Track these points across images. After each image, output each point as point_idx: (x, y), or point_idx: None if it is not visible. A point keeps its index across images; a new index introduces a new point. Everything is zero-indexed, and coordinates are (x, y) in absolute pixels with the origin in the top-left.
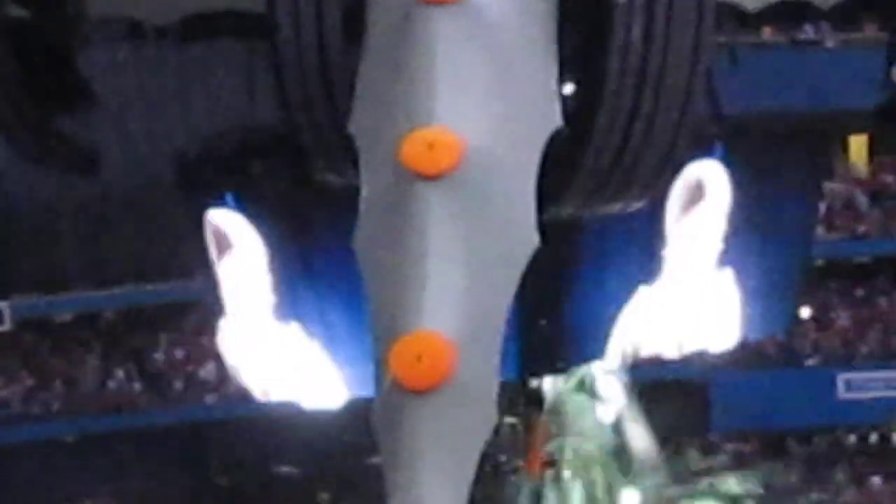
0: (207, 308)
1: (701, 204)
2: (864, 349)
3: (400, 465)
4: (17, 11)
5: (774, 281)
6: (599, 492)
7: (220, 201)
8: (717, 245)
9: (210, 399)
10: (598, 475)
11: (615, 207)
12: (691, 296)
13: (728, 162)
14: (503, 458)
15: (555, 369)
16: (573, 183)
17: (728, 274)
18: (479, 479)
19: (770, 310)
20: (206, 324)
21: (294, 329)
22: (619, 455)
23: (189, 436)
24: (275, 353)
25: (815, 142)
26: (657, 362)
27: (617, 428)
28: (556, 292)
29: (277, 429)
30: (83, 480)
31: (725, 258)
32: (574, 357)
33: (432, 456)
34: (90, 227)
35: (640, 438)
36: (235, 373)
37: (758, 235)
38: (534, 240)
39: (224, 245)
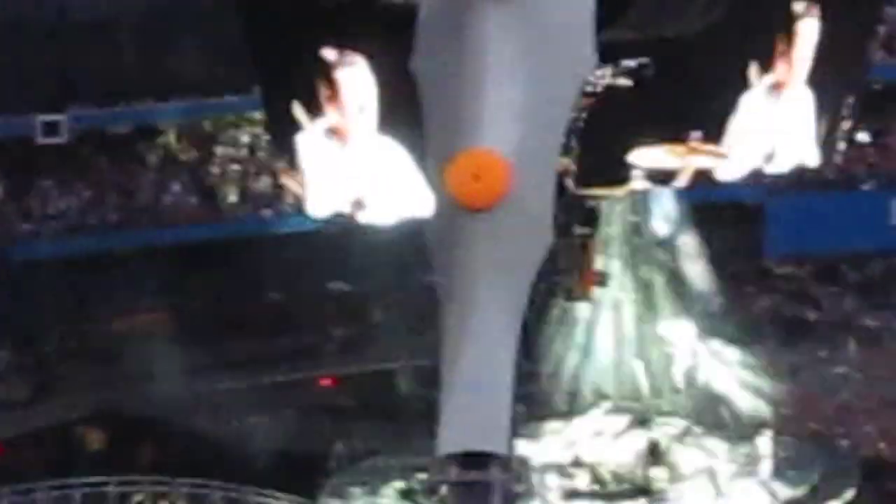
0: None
1: None
2: None
3: (455, 284)
4: None
5: (832, 104)
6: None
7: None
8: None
9: (265, 213)
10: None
11: (675, 28)
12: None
13: None
14: (558, 277)
15: (610, 182)
16: (632, 2)
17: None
18: (534, 297)
19: (827, 134)
20: (263, 138)
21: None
22: (671, 280)
23: (243, 250)
24: (334, 168)
25: None
26: (712, 183)
27: (670, 250)
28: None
29: (332, 245)
30: (137, 293)
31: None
32: (630, 177)
33: (488, 274)
34: (149, 39)
35: (693, 265)
36: (292, 187)
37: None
38: (591, 59)
39: None
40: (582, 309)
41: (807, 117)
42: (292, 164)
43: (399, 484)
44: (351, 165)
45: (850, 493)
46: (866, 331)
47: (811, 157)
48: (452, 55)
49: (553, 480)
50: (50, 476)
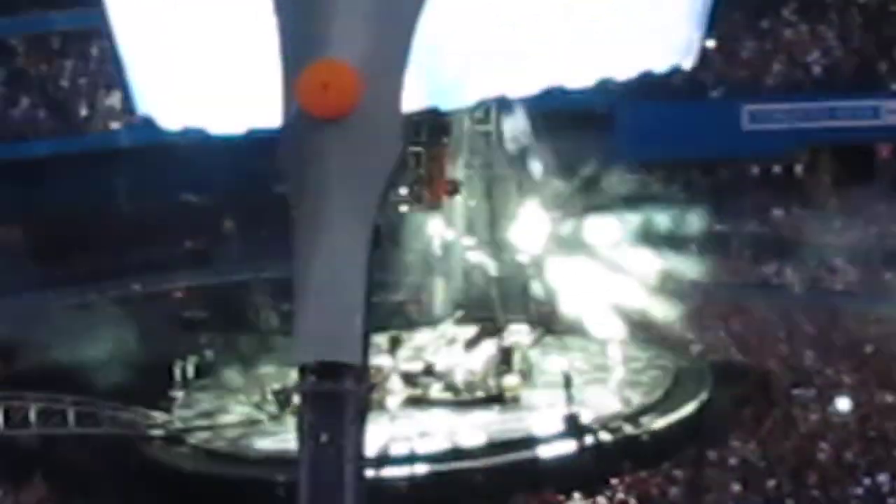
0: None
1: None
2: (769, 81)
3: (306, 194)
4: None
5: (680, 11)
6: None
7: None
8: None
9: (115, 127)
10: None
11: None
12: (596, 23)
13: None
14: (409, 186)
15: (461, 100)
16: None
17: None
18: (385, 207)
19: (676, 42)
20: (112, 52)
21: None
22: (521, 188)
23: (93, 164)
24: (182, 79)
25: None
26: (563, 92)
27: (521, 158)
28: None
29: (183, 156)
30: None
31: None
32: (480, 87)
33: (338, 184)
34: None
35: (544, 172)
36: (142, 100)
37: None
38: None
39: None
40: (434, 217)
41: (653, 26)
42: None
43: (253, 394)
44: (201, 78)
45: (702, 397)
46: (716, 236)
47: (658, 65)
48: None
49: (406, 390)
50: None
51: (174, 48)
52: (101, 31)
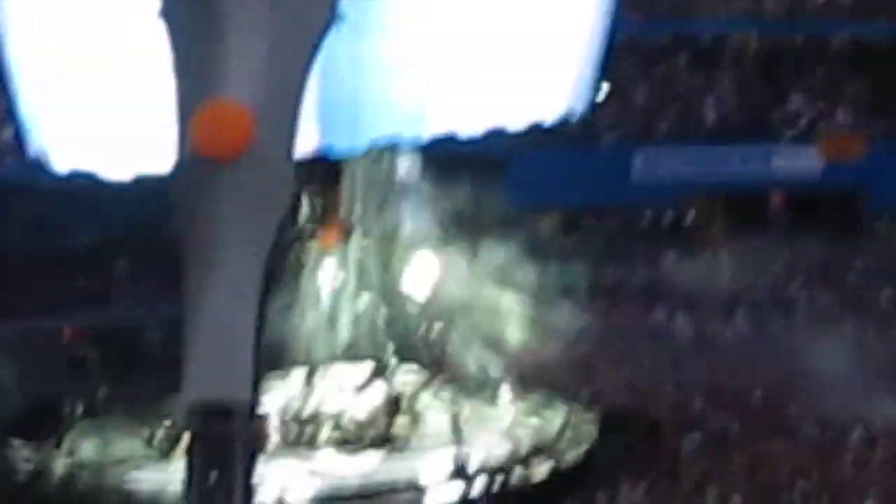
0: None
1: None
2: (662, 128)
3: (198, 235)
4: None
5: (573, 59)
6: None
7: None
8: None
9: (7, 164)
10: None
11: None
12: (491, 71)
13: None
14: (302, 228)
15: (355, 143)
16: None
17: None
18: (277, 248)
19: (568, 90)
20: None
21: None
22: (415, 232)
23: None
24: (73, 118)
25: None
26: (455, 139)
27: (414, 201)
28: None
29: (76, 198)
30: None
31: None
32: (374, 131)
33: (231, 225)
34: None
35: (438, 216)
36: (33, 139)
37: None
38: (329, 15)
39: None
40: (326, 259)
41: (545, 75)
42: None
43: (143, 433)
44: (95, 118)
45: (589, 442)
46: (605, 285)
47: (550, 114)
48: (198, 4)
49: (295, 431)
50: None
51: (67, 84)
52: None
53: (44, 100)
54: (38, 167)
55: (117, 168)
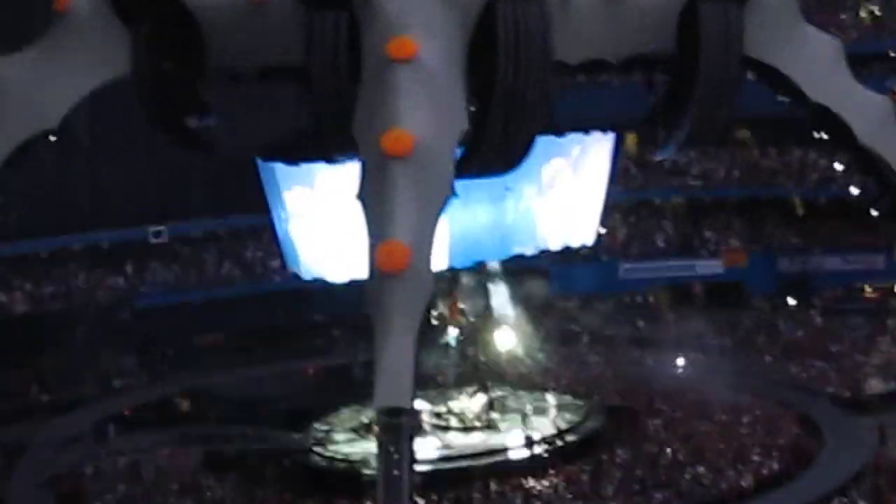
0: None
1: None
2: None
3: (378, 321)
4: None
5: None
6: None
7: None
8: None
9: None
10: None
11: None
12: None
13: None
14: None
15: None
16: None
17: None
18: (424, 321)
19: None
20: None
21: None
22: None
23: None
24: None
25: None
26: (523, 257)
27: (496, 294)
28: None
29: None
30: None
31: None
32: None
33: (397, 318)
34: None
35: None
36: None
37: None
38: (451, 191)
39: None
40: (451, 328)
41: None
42: None
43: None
44: (330, 250)
45: (598, 423)
46: (605, 336)
47: (575, 241)
48: (377, 200)
49: (436, 420)
50: None
51: (315, 233)
52: None
53: (303, 240)
54: (296, 277)
55: (340, 274)
